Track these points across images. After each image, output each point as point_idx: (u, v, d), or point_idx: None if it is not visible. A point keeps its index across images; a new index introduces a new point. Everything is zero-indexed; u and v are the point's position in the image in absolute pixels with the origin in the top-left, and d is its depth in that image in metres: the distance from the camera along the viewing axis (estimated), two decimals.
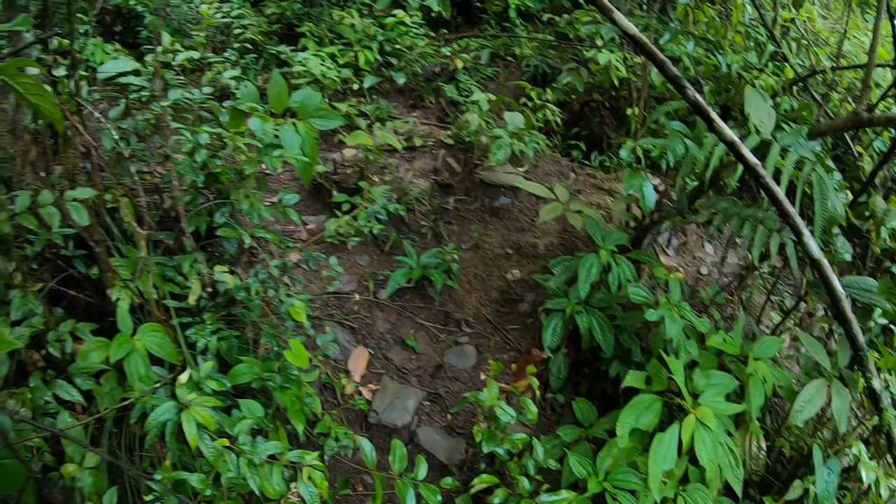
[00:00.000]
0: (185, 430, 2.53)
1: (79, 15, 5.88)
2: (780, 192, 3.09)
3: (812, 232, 3.20)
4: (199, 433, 2.56)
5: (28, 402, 2.81)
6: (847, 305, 3.12)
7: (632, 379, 3.45)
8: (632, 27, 3.01)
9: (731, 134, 3.11)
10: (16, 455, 2.35)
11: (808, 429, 3.98)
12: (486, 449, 3.36)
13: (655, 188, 4.60)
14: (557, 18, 6.84)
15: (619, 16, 3.00)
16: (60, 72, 3.26)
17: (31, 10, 4.11)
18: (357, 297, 4.45)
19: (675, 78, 3.11)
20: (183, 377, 2.66)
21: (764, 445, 3.88)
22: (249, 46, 6.16)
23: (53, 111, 2.01)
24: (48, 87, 2.91)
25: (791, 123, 5.06)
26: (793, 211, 3.07)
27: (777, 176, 3.40)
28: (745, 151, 3.09)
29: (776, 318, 5.12)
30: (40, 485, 2.84)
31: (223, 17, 6.29)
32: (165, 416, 2.59)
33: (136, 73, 4.16)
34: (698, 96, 3.10)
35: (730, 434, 3.46)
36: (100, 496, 2.75)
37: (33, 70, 2.67)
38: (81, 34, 5.99)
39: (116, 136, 3.59)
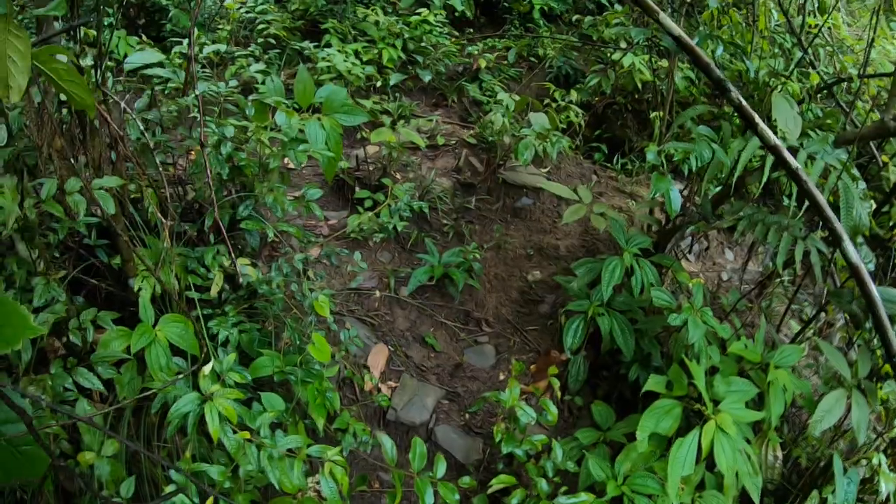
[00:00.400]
0: (207, 422, 2.52)
1: (104, 8, 5.92)
2: (821, 196, 3.05)
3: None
4: (222, 425, 2.55)
5: (49, 389, 2.81)
6: (884, 312, 3.07)
7: (653, 383, 3.42)
8: (677, 28, 2.98)
9: (773, 138, 3.08)
10: (39, 441, 2.34)
11: (826, 439, 3.93)
12: (505, 449, 3.33)
13: (679, 192, 4.57)
14: (582, 19, 6.81)
15: (664, 17, 2.97)
16: (87, 61, 3.27)
17: None
18: (378, 293, 4.44)
19: (719, 81, 3.08)
20: (206, 369, 2.65)
21: (780, 454, 3.84)
22: (273, 42, 6.17)
23: (86, 97, 2.01)
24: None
25: (817, 131, 5.01)
26: (833, 216, 3.02)
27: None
28: (788, 156, 3.06)
29: (795, 326, 5.07)
30: (58, 472, 2.85)
31: (247, 13, 6.31)
32: (188, 407, 2.59)
33: (161, 65, 4.17)
34: (742, 99, 3.06)
35: (748, 441, 3.42)
36: (117, 485, 2.75)
37: (63, 57, 2.67)
38: (106, 26, 6.04)
39: (142, 127, 3.60)
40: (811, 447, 4.00)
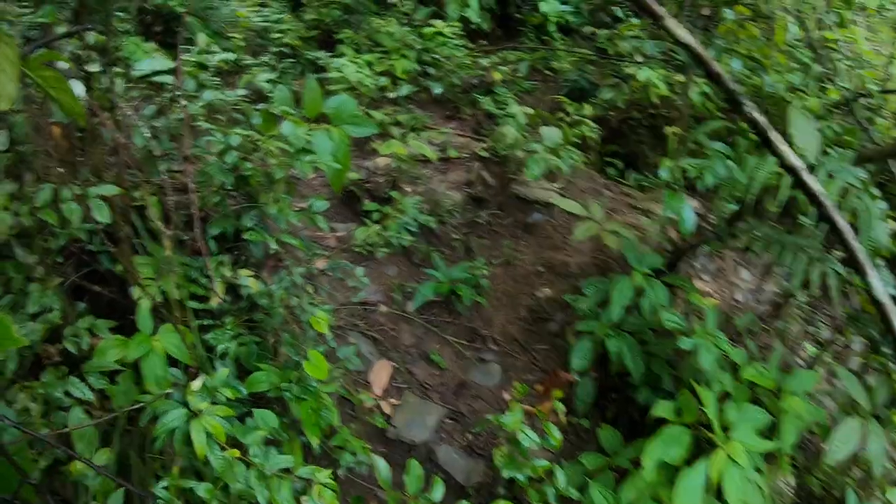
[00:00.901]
0: (193, 439, 2.45)
1: (119, 13, 5.92)
2: (844, 222, 2.91)
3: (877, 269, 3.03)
4: (209, 442, 2.48)
5: (39, 398, 2.76)
6: None
7: (661, 409, 3.32)
8: (686, 34, 2.87)
9: (792, 158, 2.95)
10: (10, 460, 2.30)
11: (841, 467, 3.80)
12: (505, 473, 3.23)
13: (694, 210, 4.46)
14: (598, 32, 6.73)
15: (672, 22, 2.85)
16: (94, 67, 3.23)
17: (68, 4, 4.13)
18: (383, 308, 4.37)
19: (731, 92, 2.95)
20: (195, 384, 2.58)
21: (793, 482, 3.72)
22: (287, 51, 6.15)
23: (74, 105, 1.96)
24: (80, 82, 2.90)
25: (836, 148, 4.90)
26: (858, 245, 2.89)
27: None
28: (808, 178, 2.93)
29: (811, 349, 4.94)
30: (51, 478, 2.82)
31: (262, 21, 6.29)
32: (175, 422, 2.52)
33: (171, 72, 4.13)
34: (755, 114, 2.94)
35: (759, 470, 3.30)
36: (106, 496, 2.70)
37: (63, 64, 2.64)
38: (121, 32, 6.05)
39: (148, 134, 3.56)
40: (825, 475, 3.88)
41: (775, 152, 2.97)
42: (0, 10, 2.62)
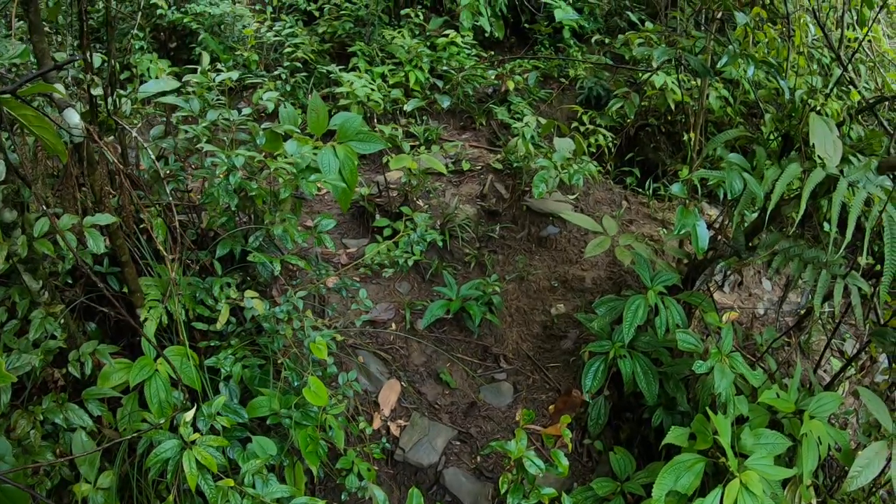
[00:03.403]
0: (185, 470, 2.41)
1: (134, 31, 5.96)
2: None
3: None
4: (201, 472, 2.45)
5: (38, 425, 2.76)
6: None
7: (674, 436, 3.21)
8: None
9: None
10: (14, 484, 2.29)
11: (864, 490, 3.67)
12: (511, 501, 3.15)
13: (711, 225, 4.35)
14: (612, 40, 6.63)
15: None
16: (98, 91, 3.22)
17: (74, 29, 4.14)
18: (393, 326, 4.31)
19: None
20: (187, 415, 2.55)
21: None
22: (300, 65, 6.14)
23: (55, 143, 1.95)
24: (76, 110, 2.88)
25: (858, 155, 4.75)
26: None
27: (844, 215, 3.15)
28: None
29: (836, 363, 4.80)
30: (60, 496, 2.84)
31: (275, 36, 6.28)
32: (167, 453, 2.49)
33: (178, 92, 4.13)
34: None
35: (776, 496, 3.19)
36: None
37: (58, 94, 2.62)
38: (137, 49, 6.08)
39: (153, 156, 3.55)
40: (848, 496, 3.75)
41: None
42: None
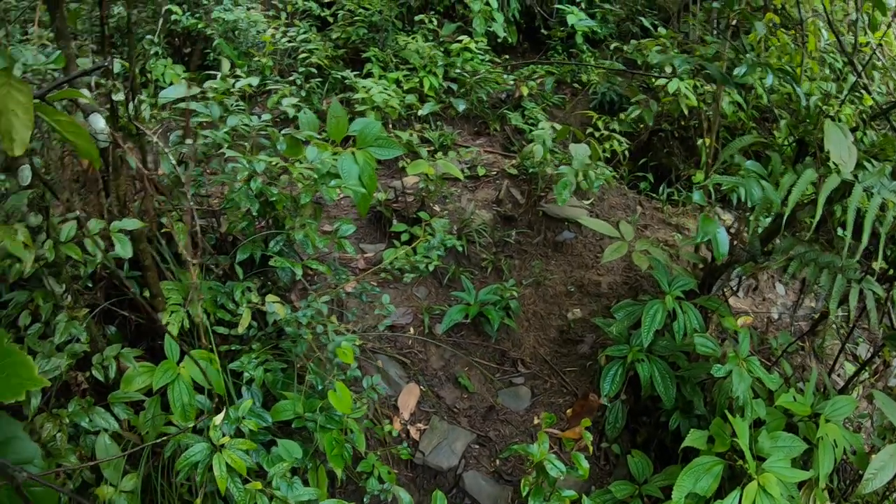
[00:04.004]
0: (215, 473, 2.44)
1: (149, 37, 6.00)
2: None
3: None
4: (230, 475, 2.47)
5: (64, 428, 2.78)
6: None
7: (693, 439, 3.22)
8: None
9: None
10: (44, 483, 2.31)
11: (879, 492, 3.67)
12: (532, 503, 3.16)
13: (727, 230, 4.35)
14: (625, 46, 6.65)
15: None
16: (119, 97, 3.26)
17: (94, 35, 4.18)
18: (412, 331, 4.33)
19: None
20: (217, 419, 2.57)
21: None
22: (314, 71, 6.17)
23: (89, 149, 1.97)
24: (102, 115, 2.91)
25: (873, 161, 4.76)
26: None
27: (859, 220, 3.17)
28: None
29: (850, 367, 4.80)
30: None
31: (289, 42, 6.32)
32: (197, 456, 2.52)
33: (198, 97, 4.16)
34: None
35: (792, 498, 3.20)
36: None
37: (84, 99, 2.66)
38: (152, 55, 6.12)
39: (174, 161, 3.57)
40: (863, 499, 3.75)
41: None
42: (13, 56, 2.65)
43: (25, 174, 2.76)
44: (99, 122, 2.93)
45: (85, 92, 2.89)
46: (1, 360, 2.12)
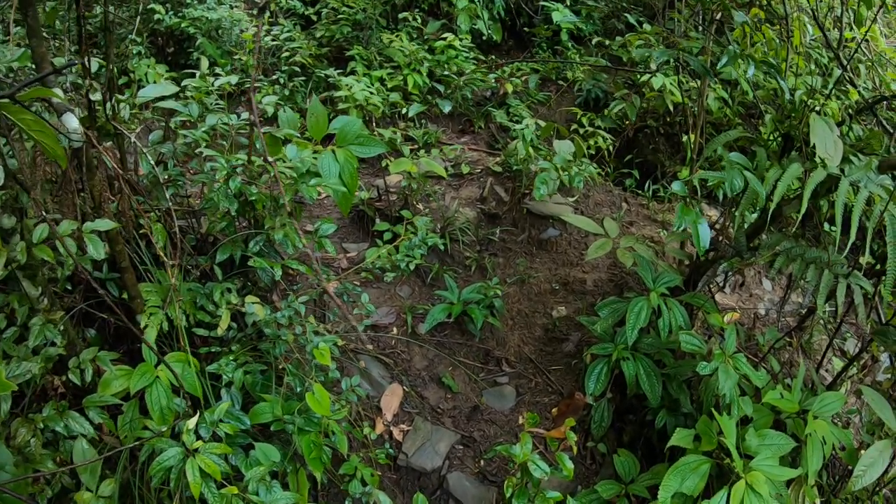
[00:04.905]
0: (188, 478, 2.39)
1: (132, 37, 5.94)
2: None
3: None
4: (205, 480, 2.42)
5: (38, 433, 2.74)
6: None
7: (679, 438, 3.19)
8: None
9: None
10: (15, 495, 2.26)
11: (868, 489, 3.66)
12: None
13: (712, 225, 4.33)
14: (609, 42, 6.63)
15: None
16: (97, 96, 3.21)
17: (71, 34, 4.13)
18: (395, 330, 4.29)
19: None
20: (190, 423, 2.53)
21: None
22: (298, 69, 6.12)
23: (55, 148, 1.93)
24: (74, 114, 2.86)
25: (859, 155, 4.75)
26: None
27: (847, 216, 3.15)
28: None
29: (838, 362, 4.79)
30: None
31: (273, 41, 6.27)
32: (170, 461, 2.47)
33: (177, 96, 4.11)
34: None
35: (780, 496, 3.18)
36: None
37: (56, 98, 2.61)
38: (135, 54, 6.06)
39: (153, 161, 3.53)
40: (852, 496, 3.74)
41: None
42: None
43: None
44: (72, 122, 2.87)
45: (58, 91, 2.84)
46: None
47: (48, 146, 1.94)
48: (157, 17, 6.33)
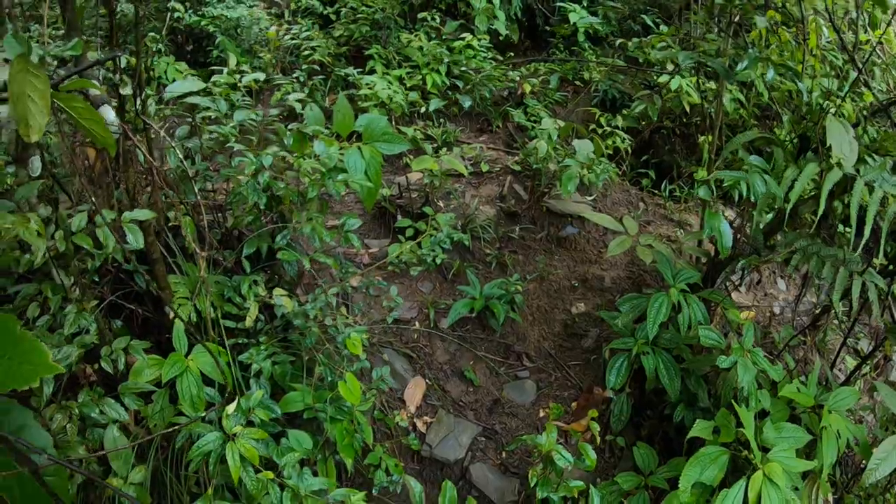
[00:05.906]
0: (228, 462, 2.45)
1: (152, 34, 6.01)
2: None
3: None
4: (244, 465, 2.48)
5: (74, 419, 2.79)
6: None
7: (699, 429, 3.24)
8: None
9: None
10: (44, 485, 2.31)
11: (881, 484, 3.69)
12: (540, 494, 3.18)
13: (730, 224, 4.37)
14: (626, 42, 6.68)
15: None
16: (127, 90, 3.27)
17: (100, 31, 4.19)
18: (417, 325, 4.35)
19: None
20: (230, 408, 2.58)
21: (831, 500, 3.61)
22: (317, 68, 6.18)
23: (105, 136, 1.98)
24: (111, 107, 2.93)
25: (874, 156, 4.78)
26: None
27: (861, 215, 3.19)
28: None
29: (851, 361, 4.82)
30: (87, 494, 2.85)
31: (292, 39, 6.33)
32: (210, 446, 2.53)
33: (203, 92, 4.17)
34: None
35: (797, 489, 3.22)
36: None
37: (94, 91, 2.67)
38: (155, 52, 6.13)
39: (181, 155, 3.59)
40: (865, 492, 3.77)
41: None
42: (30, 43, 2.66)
43: (36, 165, 2.78)
44: (109, 114, 2.94)
45: (96, 83, 2.90)
46: (13, 347, 2.09)
47: (98, 134, 1.99)
48: (177, 15, 6.40)
